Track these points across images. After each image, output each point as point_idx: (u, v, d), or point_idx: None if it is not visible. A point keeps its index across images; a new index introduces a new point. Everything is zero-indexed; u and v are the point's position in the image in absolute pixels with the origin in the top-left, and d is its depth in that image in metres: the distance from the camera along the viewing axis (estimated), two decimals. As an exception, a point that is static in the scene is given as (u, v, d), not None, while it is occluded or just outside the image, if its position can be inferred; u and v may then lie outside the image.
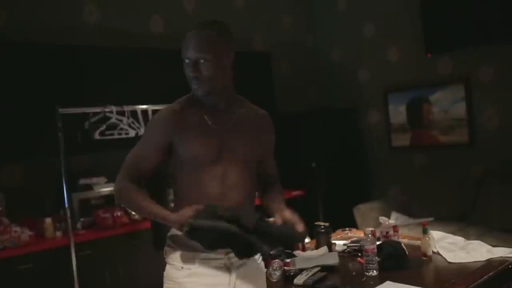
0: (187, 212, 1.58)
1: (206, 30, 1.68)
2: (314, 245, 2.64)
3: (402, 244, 2.37)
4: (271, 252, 2.50)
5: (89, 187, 3.88)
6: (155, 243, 3.48)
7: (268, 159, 1.92)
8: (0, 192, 3.50)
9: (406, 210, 4.72)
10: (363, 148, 5.52)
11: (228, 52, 1.73)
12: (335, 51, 5.76)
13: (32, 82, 3.57)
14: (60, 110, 3.30)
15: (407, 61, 5.09)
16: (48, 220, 3.53)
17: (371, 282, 2.10)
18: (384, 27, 5.25)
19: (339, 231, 3.07)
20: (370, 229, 2.28)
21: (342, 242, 2.69)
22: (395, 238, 2.53)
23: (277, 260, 2.33)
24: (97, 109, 3.49)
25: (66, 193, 3.36)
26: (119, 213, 3.72)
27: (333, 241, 2.67)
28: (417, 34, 4.86)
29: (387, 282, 2.06)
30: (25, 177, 3.80)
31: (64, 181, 3.32)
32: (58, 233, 3.55)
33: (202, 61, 1.66)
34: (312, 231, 2.66)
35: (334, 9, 5.70)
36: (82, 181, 3.87)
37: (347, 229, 3.11)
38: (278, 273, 2.26)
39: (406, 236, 2.82)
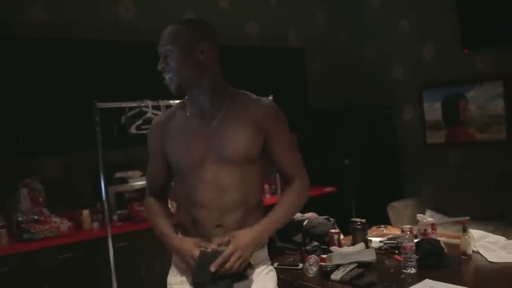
0: (188, 253, 1.65)
1: (173, 25, 1.70)
2: (350, 241, 2.62)
3: (441, 242, 2.33)
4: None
5: (124, 181, 3.95)
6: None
7: (277, 154, 1.75)
8: (40, 184, 3.59)
9: (441, 208, 4.64)
10: (396, 145, 5.46)
11: (198, 44, 1.65)
12: (369, 47, 5.70)
13: (71, 77, 3.65)
14: (98, 104, 3.37)
15: (443, 58, 5.00)
16: (86, 212, 3.61)
17: (410, 280, 2.07)
18: (419, 23, 5.17)
19: (374, 228, 3.04)
20: (408, 226, 2.25)
21: (378, 239, 2.66)
22: (433, 236, 2.49)
23: (313, 255, 2.33)
24: (134, 104, 3.54)
25: (104, 186, 3.42)
26: (154, 207, 3.77)
27: (369, 238, 2.65)
28: (453, 30, 4.77)
29: (426, 280, 2.03)
30: (63, 170, 3.90)
31: (101, 175, 3.38)
32: (95, 225, 3.63)
33: (168, 53, 1.67)
34: (347, 227, 2.65)
35: (369, 5, 5.63)
36: (118, 175, 3.94)
37: (382, 226, 3.08)
38: (314, 268, 2.26)
39: (443, 235, 2.78)
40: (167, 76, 1.69)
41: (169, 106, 3.66)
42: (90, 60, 3.74)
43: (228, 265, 1.57)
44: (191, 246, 1.66)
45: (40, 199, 3.56)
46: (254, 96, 1.77)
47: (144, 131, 3.59)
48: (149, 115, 3.57)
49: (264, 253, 1.79)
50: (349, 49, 5.86)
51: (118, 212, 3.79)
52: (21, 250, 3.18)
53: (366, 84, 5.73)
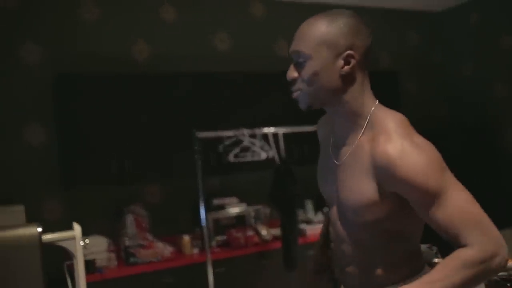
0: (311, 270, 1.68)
1: (310, 19, 1.34)
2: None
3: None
4: None
5: (221, 207, 4.06)
6: (286, 263, 3.54)
7: (419, 213, 1.27)
8: (144, 210, 3.79)
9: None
10: (500, 169, 5.13)
11: (343, 50, 1.29)
12: (467, 67, 5.46)
13: (172, 108, 3.86)
14: (197, 134, 3.52)
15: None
16: (186, 238, 3.74)
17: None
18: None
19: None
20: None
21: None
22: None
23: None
24: (230, 133, 3.65)
25: (204, 213, 3.54)
26: (250, 233, 3.84)
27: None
28: None
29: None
30: (164, 197, 4.09)
31: (201, 201, 3.51)
32: (195, 250, 3.74)
33: (300, 60, 1.33)
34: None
35: (466, 23, 5.42)
36: (215, 202, 4.06)
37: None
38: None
39: None
40: (295, 90, 1.36)
41: (265, 134, 3.73)
42: (189, 91, 3.94)
43: None
44: (315, 268, 1.69)
45: (144, 225, 3.75)
46: (389, 127, 1.29)
47: (242, 159, 3.69)
48: (245, 143, 3.66)
49: None
50: (443, 68, 5.66)
51: (217, 238, 3.89)
52: (129, 274, 3.36)
53: (463, 104, 5.48)
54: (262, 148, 3.66)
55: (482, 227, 1.23)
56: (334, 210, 1.46)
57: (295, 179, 3.51)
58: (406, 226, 1.35)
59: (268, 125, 3.78)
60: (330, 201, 1.47)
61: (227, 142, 3.70)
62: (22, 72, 3.68)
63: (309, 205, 4.40)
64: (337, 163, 1.40)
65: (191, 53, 4.27)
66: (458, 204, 1.23)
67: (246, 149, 3.70)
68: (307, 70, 1.31)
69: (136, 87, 3.77)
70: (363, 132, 1.33)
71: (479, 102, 5.32)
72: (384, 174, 1.25)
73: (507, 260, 1.25)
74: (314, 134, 4.16)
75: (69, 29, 3.84)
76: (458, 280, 1.21)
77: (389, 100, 5.67)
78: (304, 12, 4.62)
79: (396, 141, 1.24)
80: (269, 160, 3.84)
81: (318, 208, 4.48)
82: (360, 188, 1.30)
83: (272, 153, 3.69)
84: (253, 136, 3.68)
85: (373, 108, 1.35)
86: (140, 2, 4.11)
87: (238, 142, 3.71)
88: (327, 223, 1.78)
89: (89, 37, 3.91)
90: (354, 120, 1.35)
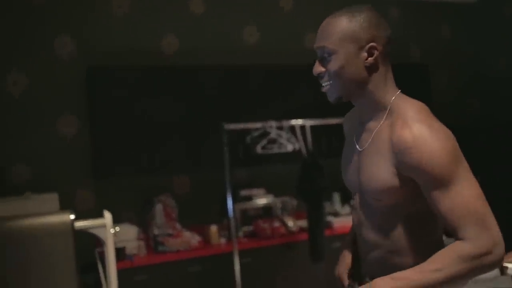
0: (338, 272, 1.64)
1: (332, 16, 1.40)
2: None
3: None
4: None
5: (249, 198, 4.10)
6: (313, 255, 3.56)
7: (428, 198, 1.30)
8: (173, 200, 3.87)
9: None
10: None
11: (365, 43, 1.35)
12: (500, 60, 5.34)
13: (201, 101, 3.91)
14: (225, 126, 3.56)
15: None
16: (214, 228, 3.80)
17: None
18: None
19: (510, 253, 2.83)
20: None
21: (515, 266, 2.48)
22: None
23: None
24: (258, 125, 3.68)
25: (232, 204, 3.59)
26: (277, 224, 3.87)
27: (504, 264, 2.47)
28: None
29: None
30: (193, 187, 4.16)
31: (228, 192, 3.56)
32: (222, 240, 3.80)
33: (325, 55, 1.39)
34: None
35: (500, 15, 5.30)
36: (243, 193, 4.11)
37: (519, 252, 2.85)
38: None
39: None
40: (325, 84, 1.43)
41: (292, 127, 3.75)
42: (217, 84, 3.99)
43: None
44: (342, 268, 1.66)
45: (173, 214, 3.83)
46: (408, 114, 1.33)
47: (269, 151, 3.72)
48: (273, 135, 3.68)
49: None
50: (477, 62, 5.55)
51: (243, 228, 3.94)
52: (157, 261, 3.45)
53: (497, 99, 5.37)
54: (289, 140, 3.68)
55: (482, 224, 1.24)
56: (356, 198, 1.50)
57: (322, 171, 3.52)
58: (425, 212, 1.37)
59: (296, 118, 3.79)
60: (353, 189, 1.52)
61: (255, 134, 3.74)
62: (56, 65, 3.79)
63: (336, 197, 4.40)
64: (360, 149, 1.46)
65: (220, 46, 4.32)
66: (464, 197, 1.25)
67: (273, 141, 3.73)
68: (333, 65, 1.38)
69: (166, 80, 3.84)
70: (384, 120, 1.39)
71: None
72: (400, 158, 1.29)
73: (502, 259, 1.26)
74: (340, 126, 4.17)
75: (101, 23, 3.94)
76: (450, 272, 1.24)
77: (420, 94, 5.66)
78: (332, 5, 4.62)
79: (413, 126, 1.28)
80: (296, 152, 3.86)
81: (345, 200, 4.48)
82: (379, 173, 1.35)
83: (299, 145, 3.71)
84: (280, 128, 3.70)
85: (393, 98, 1.40)
86: (170, -5, 4.17)
87: (265, 134, 3.74)
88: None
89: (120, 30, 3.99)
90: (377, 108, 1.41)
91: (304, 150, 3.71)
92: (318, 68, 1.42)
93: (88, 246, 3.62)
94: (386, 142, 1.34)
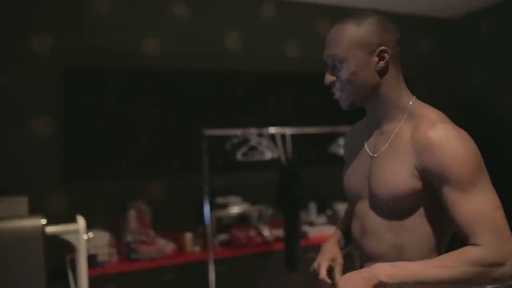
0: (322, 266, 1.53)
1: (339, 24, 1.40)
2: None
3: None
4: None
5: (224, 206, 4.04)
6: (288, 264, 3.52)
7: (445, 202, 1.26)
8: (147, 206, 3.78)
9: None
10: (510, 177, 5.10)
11: (375, 47, 1.36)
12: (477, 74, 5.43)
13: (180, 105, 3.85)
14: (205, 131, 3.50)
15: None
16: (189, 235, 3.73)
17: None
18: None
19: None
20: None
21: None
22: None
23: None
24: (238, 132, 3.64)
25: (209, 211, 3.53)
26: (252, 233, 3.82)
27: None
28: None
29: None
30: (169, 193, 4.08)
31: (205, 200, 3.49)
32: (196, 248, 3.73)
33: (336, 63, 1.38)
34: None
35: (477, 30, 5.39)
36: (219, 200, 4.04)
37: None
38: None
39: None
40: (337, 92, 1.42)
41: (272, 135, 3.72)
42: (198, 88, 3.93)
43: None
44: (325, 256, 1.55)
45: (147, 221, 3.74)
46: (432, 116, 1.34)
47: (249, 158, 3.68)
48: (253, 142, 3.64)
49: None
50: (453, 76, 5.63)
51: (219, 236, 3.88)
52: (130, 269, 3.35)
53: (474, 113, 5.45)
54: (268, 148, 3.65)
55: (497, 233, 1.21)
56: (363, 205, 1.45)
57: (300, 180, 3.49)
58: (442, 218, 1.34)
59: (276, 125, 3.76)
60: (360, 196, 1.47)
61: (234, 141, 3.69)
62: (33, 65, 3.67)
63: (312, 207, 4.38)
64: (373, 155, 1.43)
65: (202, 51, 4.26)
66: (483, 205, 1.22)
67: (253, 149, 3.69)
68: (345, 72, 1.37)
69: (145, 82, 3.76)
70: (404, 122, 1.38)
71: (490, 109, 5.29)
72: (421, 156, 1.28)
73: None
74: (321, 136, 4.15)
75: (80, 22, 3.83)
76: (455, 272, 1.20)
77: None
78: (314, 13, 4.62)
79: (439, 127, 1.29)
80: (275, 161, 3.82)
81: (321, 210, 4.46)
82: (397, 176, 1.32)
83: (279, 153, 3.67)
84: (260, 135, 3.66)
85: (411, 102, 1.40)
86: (152, -3, 4.10)
87: (245, 141, 3.69)
88: (348, 222, 1.71)
89: (100, 30, 3.90)
90: (393, 111, 1.41)
91: (283, 159, 3.68)
92: (329, 78, 1.42)
93: (57, 252, 3.50)
94: (406, 143, 1.33)
